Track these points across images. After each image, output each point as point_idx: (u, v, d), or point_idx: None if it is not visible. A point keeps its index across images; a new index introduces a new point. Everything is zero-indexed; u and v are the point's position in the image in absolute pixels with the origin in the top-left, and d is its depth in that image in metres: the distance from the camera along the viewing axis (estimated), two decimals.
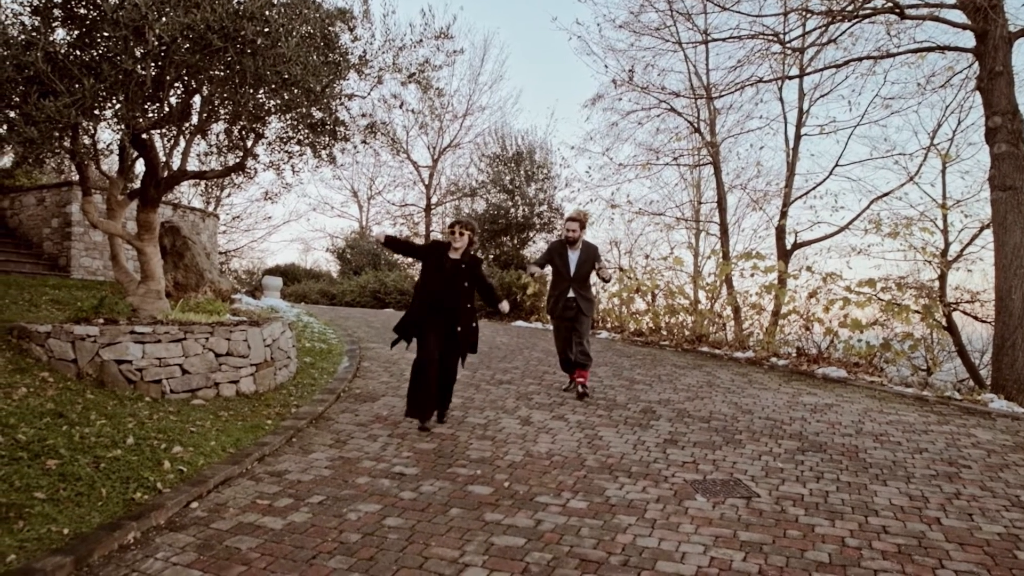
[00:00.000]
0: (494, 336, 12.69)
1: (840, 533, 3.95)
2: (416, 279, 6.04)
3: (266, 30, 6.24)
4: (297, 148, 7.90)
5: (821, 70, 15.18)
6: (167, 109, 6.83)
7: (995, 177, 10.17)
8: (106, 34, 6.02)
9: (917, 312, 10.84)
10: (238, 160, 7.84)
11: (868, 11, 11.58)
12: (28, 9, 6.09)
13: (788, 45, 13.72)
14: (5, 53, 5.69)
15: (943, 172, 16.12)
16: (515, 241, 22.35)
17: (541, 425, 6.31)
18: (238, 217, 30.55)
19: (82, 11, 6.15)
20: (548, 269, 7.82)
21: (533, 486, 4.71)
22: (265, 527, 3.97)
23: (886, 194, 16.47)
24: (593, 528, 3.99)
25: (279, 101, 7.03)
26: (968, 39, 11.14)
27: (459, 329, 5.97)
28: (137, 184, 7.63)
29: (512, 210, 22.32)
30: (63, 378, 5.97)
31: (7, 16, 6.05)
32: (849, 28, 12.63)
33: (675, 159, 19.60)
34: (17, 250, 12.41)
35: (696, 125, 18.48)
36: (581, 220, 7.53)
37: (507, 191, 22.58)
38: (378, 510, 4.25)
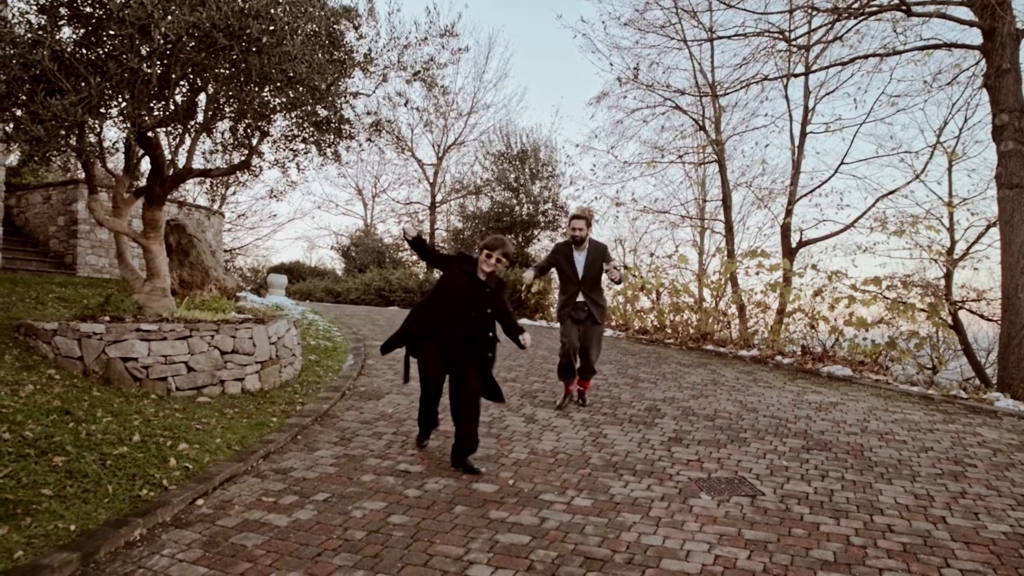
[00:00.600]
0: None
1: (845, 532, 3.95)
2: (430, 291, 5.29)
3: (271, 28, 6.25)
4: (302, 146, 7.92)
5: (827, 68, 15.09)
6: (173, 107, 6.85)
7: (1002, 175, 10.12)
8: (112, 32, 6.04)
9: (923, 310, 10.79)
10: (243, 158, 7.86)
11: (874, 8, 11.53)
12: (34, 8, 6.11)
13: (793, 43, 13.68)
14: (12, 52, 5.70)
15: (949, 170, 16.03)
16: (520, 239, 22.35)
17: (546, 423, 6.31)
18: (243, 215, 30.64)
19: (88, 9, 6.17)
20: (552, 272, 7.34)
21: (538, 484, 4.72)
22: (270, 524, 3.98)
23: (892, 192, 16.41)
24: (598, 526, 4.00)
25: (284, 99, 7.05)
26: (975, 36, 11.09)
27: (473, 355, 5.07)
28: (143, 182, 7.65)
29: (517, 208, 22.32)
30: (69, 375, 5.99)
31: (14, 15, 6.07)
32: (855, 25, 12.57)
33: (680, 157, 19.56)
34: (24, 248, 12.47)
35: (701, 123, 18.44)
36: (587, 218, 6.83)
37: (512, 189, 22.58)
38: (383, 507, 4.26)
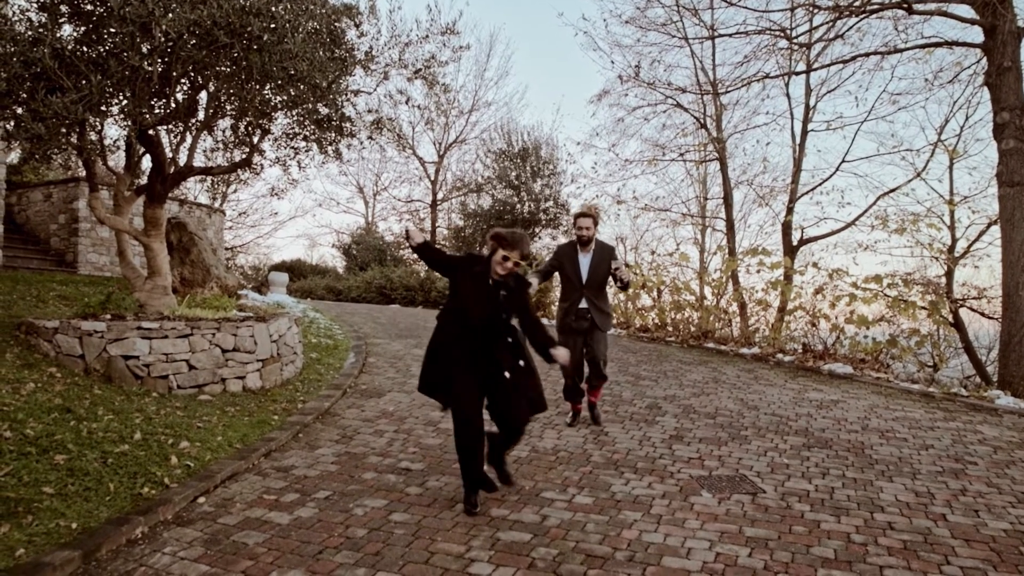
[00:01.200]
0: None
1: (846, 529, 3.95)
2: (445, 306, 4.62)
3: (272, 26, 6.24)
4: (303, 144, 7.92)
5: (828, 66, 15.07)
6: (174, 105, 6.85)
7: (1003, 173, 10.11)
8: (113, 30, 6.04)
9: (924, 308, 10.79)
10: (244, 156, 7.86)
11: (876, 6, 11.51)
12: (35, 5, 6.11)
13: (795, 41, 13.66)
14: (12, 49, 5.71)
15: (950, 168, 16.02)
16: None
17: (546, 421, 6.31)
18: (244, 213, 30.66)
19: (89, 7, 6.16)
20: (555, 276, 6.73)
21: (539, 482, 4.72)
22: (272, 522, 3.99)
23: (893, 190, 16.39)
24: (599, 524, 4.00)
25: (285, 97, 7.05)
26: (976, 34, 11.07)
27: (507, 374, 4.29)
28: (144, 180, 7.65)
29: (518, 206, 22.33)
30: (71, 373, 6.00)
31: (14, 12, 6.07)
32: (856, 23, 12.54)
33: (681, 155, 19.55)
34: (24, 246, 12.47)
35: (702, 121, 18.42)
36: (594, 216, 6.23)
37: (513, 187, 22.59)
38: (384, 505, 4.26)
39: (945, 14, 11.18)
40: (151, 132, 6.97)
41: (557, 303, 7.27)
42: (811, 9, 12.34)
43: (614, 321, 14.39)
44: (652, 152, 19.29)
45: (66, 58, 5.87)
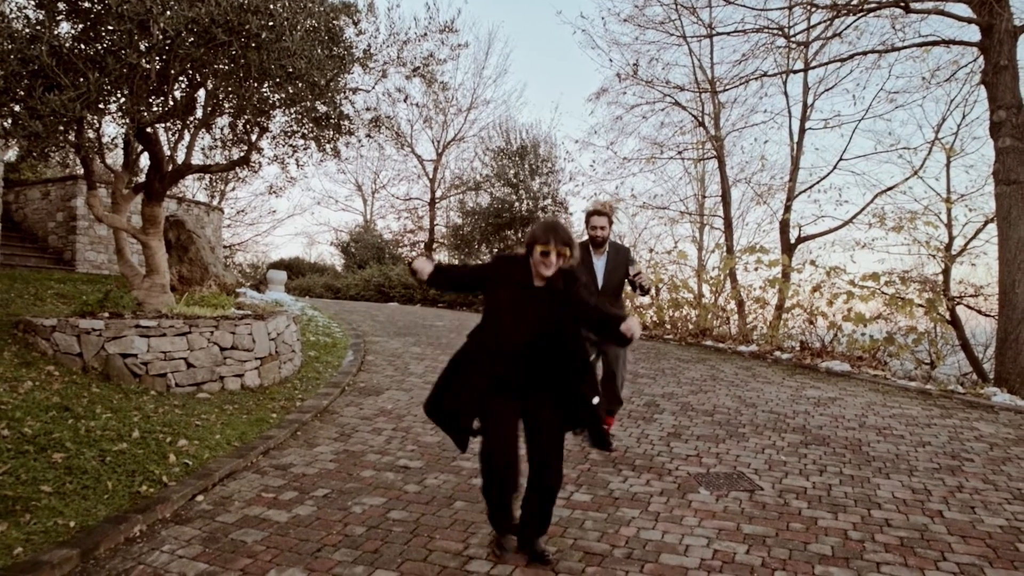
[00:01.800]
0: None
1: (843, 526, 3.96)
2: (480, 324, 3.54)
3: (271, 24, 6.24)
4: (301, 142, 7.91)
5: (826, 64, 15.09)
6: (172, 103, 6.84)
7: (999, 171, 10.12)
8: (111, 28, 6.04)
9: (921, 306, 10.81)
10: (243, 154, 7.85)
11: (873, 5, 11.51)
12: (33, 3, 6.10)
13: (793, 39, 13.66)
14: (10, 47, 5.70)
15: (947, 166, 16.06)
16: (519, 235, 22.34)
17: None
18: (243, 211, 30.61)
19: (86, 5, 6.16)
20: None
21: None
22: (270, 520, 3.99)
23: (890, 188, 16.42)
24: (597, 521, 4.01)
25: (283, 95, 7.04)
26: (973, 33, 11.07)
27: (595, 400, 3.45)
28: (142, 178, 7.64)
29: (516, 204, 22.32)
30: (69, 372, 6.00)
31: (11, 9, 6.06)
32: (854, 22, 12.55)
33: (679, 153, 19.54)
34: (22, 244, 12.45)
35: (700, 119, 18.42)
36: (609, 214, 5.48)
37: (511, 185, 22.58)
38: (383, 503, 4.27)
39: (942, 13, 11.20)
40: (149, 130, 6.97)
41: None
42: (809, 8, 12.34)
43: None
44: (650, 150, 19.28)
45: (64, 55, 5.87)
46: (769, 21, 13.63)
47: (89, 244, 12.45)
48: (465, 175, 27.79)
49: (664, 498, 4.39)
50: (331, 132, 7.72)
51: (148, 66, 6.02)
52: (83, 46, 6.20)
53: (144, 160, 7.72)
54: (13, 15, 6.03)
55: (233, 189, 27.80)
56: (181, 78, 6.89)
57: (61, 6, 6.14)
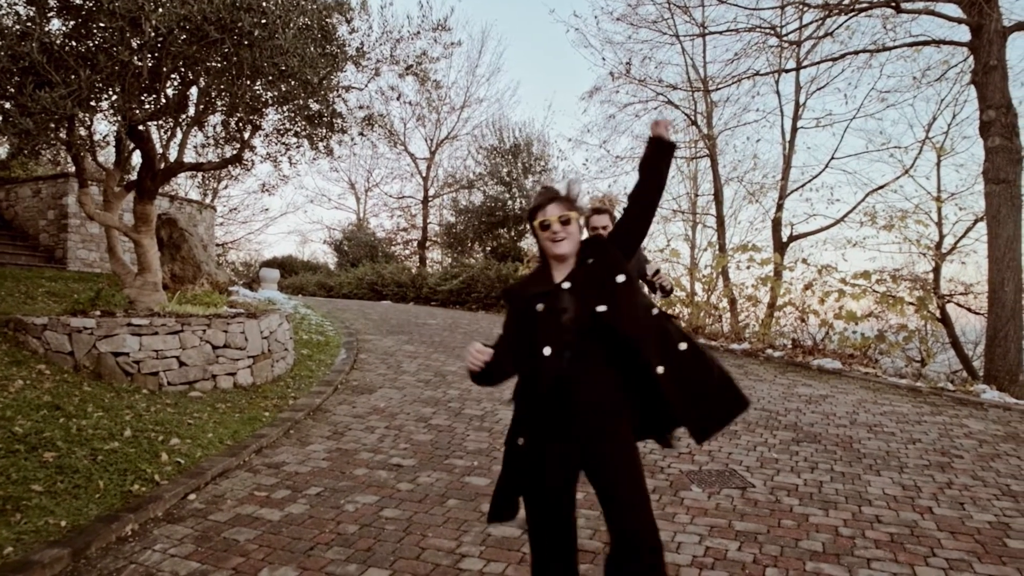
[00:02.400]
0: (491, 328, 12.71)
1: (834, 523, 3.99)
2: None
3: (263, 21, 6.22)
4: (294, 140, 7.91)
5: (818, 63, 15.13)
6: (164, 101, 6.82)
7: (989, 170, 10.19)
8: (102, 25, 6.01)
9: (911, 304, 10.88)
10: (235, 152, 7.84)
11: (864, 4, 11.57)
12: None
13: (785, 38, 13.70)
14: (0, 43, 5.66)
15: (938, 165, 16.12)
16: (512, 233, 22.35)
17: None
18: (235, 209, 30.52)
19: (78, 1, 6.13)
20: None
21: None
22: (263, 519, 3.99)
23: (882, 187, 16.49)
24: (589, 519, 4.02)
25: (276, 93, 7.03)
26: (963, 33, 11.14)
27: (660, 369, 2.49)
28: (134, 176, 7.62)
29: (509, 202, 22.31)
30: (60, 370, 5.97)
31: (1, 6, 6.03)
32: (846, 21, 12.60)
33: None
34: (13, 242, 12.38)
35: (693, 118, 18.45)
36: (610, 210, 4.77)
37: (504, 183, 22.57)
38: (375, 501, 4.27)
39: (933, 13, 11.26)
40: (141, 128, 6.94)
41: None
42: (801, 7, 12.38)
43: None
44: (643, 149, 19.31)
45: (55, 53, 5.84)
46: (761, 20, 13.68)
47: (80, 242, 12.39)
48: (458, 173, 27.79)
49: (656, 495, 4.41)
50: (324, 130, 7.71)
51: (140, 63, 6.00)
52: (74, 43, 6.17)
53: (136, 158, 7.70)
54: (3, 12, 6.00)
55: (226, 187, 27.73)
56: (173, 76, 6.87)
57: (52, 3, 6.11)
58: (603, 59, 27.04)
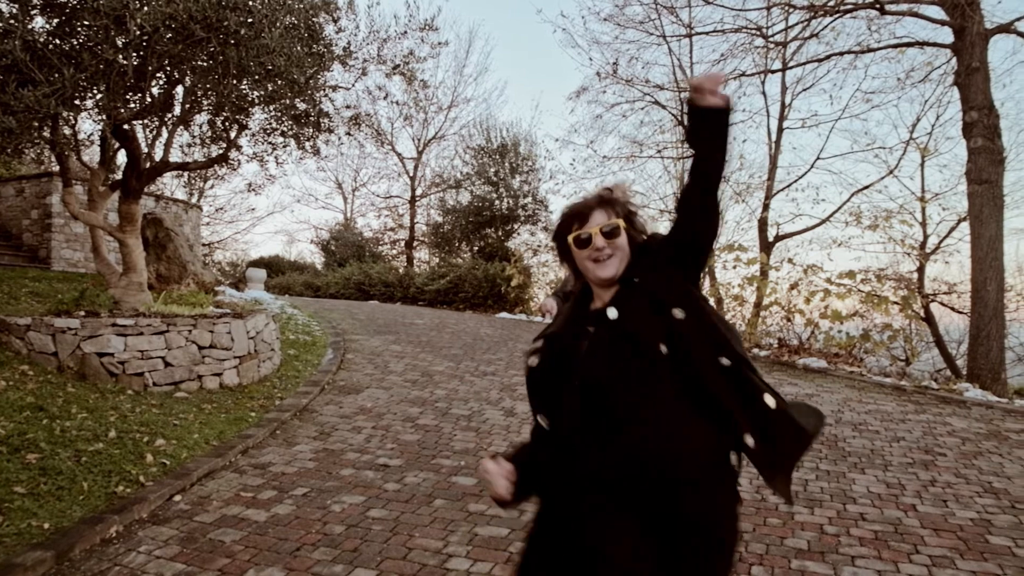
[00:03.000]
0: (478, 328, 12.70)
1: (819, 521, 4.03)
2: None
3: (249, 20, 6.20)
4: (281, 139, 7.88)
5: (803, 64, 15.27)
6: (149, 100, 6.78)
7: (972, 171, 10.31)
8: (87, 23, 5.96)
9: (896, 303, 10.99)
10: (221, 151, 7.79)
11: (849, 6, 11.67)
12: None
13: (771, 39, 13.80)
14: None
15: (922, 166, 16.28)
16: (499, 233, 22.34)
17: (525, 416, 6.34)
18: (221, 209, 30.32)
19: None
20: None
21: None
22: (249, 519, 3.97)
23: (867, 187, 16.63)
24: None
25: (263, 92, 7.00)
26: (946, 35, 11.26)
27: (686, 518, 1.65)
28: (119, 175, 7.56)
29: (497, 202, 22.30)
30: (43, 371, 5.92)
31: None
32: (831, 22, 12.71)
33: (659, 152, 19.64)
34: None
35: (680, 118, 18.50)
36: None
37: (492, 183, 22.56)
38: (362, 502, 4.27)
39: (916, 15, 11.38)
40: (126, 127, 6.89)
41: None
42: (787, 8, 12.48)
43: None
44: (630, 149, 19.37)
45: (38, 51, 5.78)
46: (748, 21, 13.78)
47: (65, 242, 12.28)
48: (446, 173, 27.72)
49: None
50: (311, 130, 7.69)
51: (125, 62, 5.95)
52: (58, 41, 6.11)
53: (121, 157, 7.65)
54: None
55: (212, 187, 27.58)
56: (159, 75, 6.82)
57: (35, 0, 6.05)
58: (590, 59, 27.04)
